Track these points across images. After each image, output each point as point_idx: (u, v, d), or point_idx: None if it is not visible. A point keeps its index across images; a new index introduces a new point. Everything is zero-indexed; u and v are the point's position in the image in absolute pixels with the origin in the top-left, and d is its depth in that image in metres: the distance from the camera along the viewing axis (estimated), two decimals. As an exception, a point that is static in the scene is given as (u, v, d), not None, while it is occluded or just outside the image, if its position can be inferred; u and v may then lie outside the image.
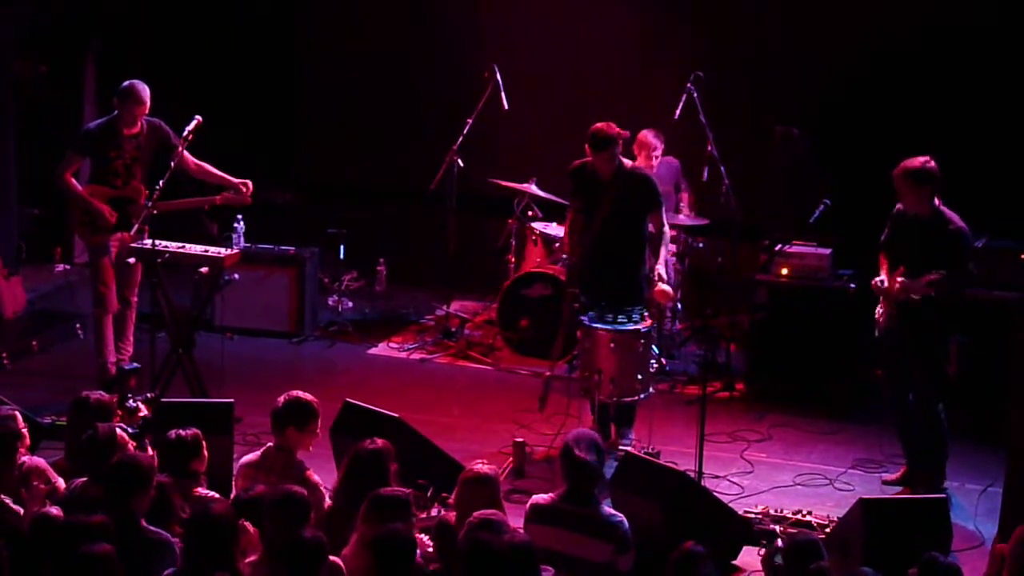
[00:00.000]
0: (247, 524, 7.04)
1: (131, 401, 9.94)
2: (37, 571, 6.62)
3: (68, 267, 14.02)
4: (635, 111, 11.94)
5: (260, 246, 12.79)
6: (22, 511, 7.38)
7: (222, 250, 10.83)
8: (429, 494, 8.35)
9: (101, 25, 14.47)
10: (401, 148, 14.27)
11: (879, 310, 9.61)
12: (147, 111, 10.86)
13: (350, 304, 13.56)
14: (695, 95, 11.81)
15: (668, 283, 10.23)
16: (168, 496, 7.41)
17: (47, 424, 9.71)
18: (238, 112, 13.98)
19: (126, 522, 6.86)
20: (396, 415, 9.01)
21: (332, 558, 6.76)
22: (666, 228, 10.37)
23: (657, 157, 11.92)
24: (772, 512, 9.05)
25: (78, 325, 12.60)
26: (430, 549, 7.20)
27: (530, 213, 12.69)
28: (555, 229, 12.30)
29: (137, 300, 11.24)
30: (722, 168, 11.89)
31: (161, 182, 10.43)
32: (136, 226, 10.49)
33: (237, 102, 14.25)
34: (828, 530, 8.66)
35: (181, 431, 7.91)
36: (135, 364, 10.85)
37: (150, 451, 8.19)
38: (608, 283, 10.16)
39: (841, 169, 12.22)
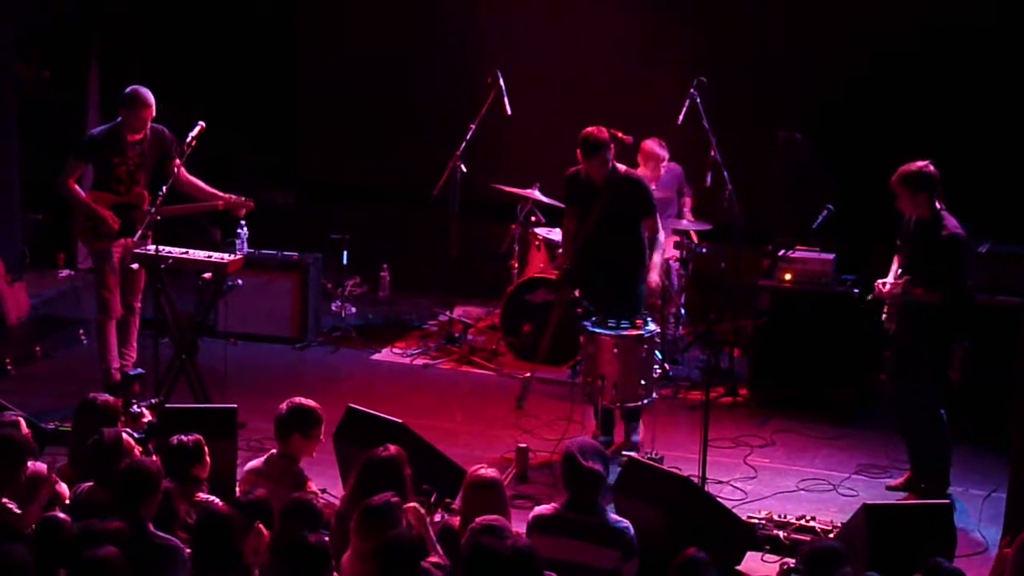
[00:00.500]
0: (261, 527, 7.06)
1: (135, 406, 9.94)
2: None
3: (72, 273, 14.03)
4: (637, 115, 11.96)
5: (263, 252, 12.79)
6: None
7: (225, 256, 10.84)
8: (432, 500, 8.34)
9: (101, 27, 14.47)
10: (403, 152, 14.27)
11: (885, 311, 9.60)
12: (152, 116, 10.87)
13: (353, 310, 13.56)
14: (698, 100, 11.81)
15: (652, 285, 10.22)
16: (172, 502, 7.42)
17: (51, 430, 9.72)
18: (239, 114, 14.00)
19: (135, 528, 6.87)
20: (399, 420, 9.00)
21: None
22: (660, 235, 10.37)
23: (664, 167, 11.96)
24: (775, 518, 9.04)
25: (81, 331, 12.61)
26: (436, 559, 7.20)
27: (533, 219, 12.69)
28: (558, 234, 12.26)
29: (141, 306, 11.24)
30: (725, 173, 11.89)
31: (164, 188, 10.44)
32: (139, 232, 10.50)
33: (238, 104, 14.28)
34: (832, 536, 8.65)
35: (183, 437, 7.91)
36: (139, 369, 10.86)
37: (154, 456, 8.18)
38: (606, 287, 10.16)
39: (844, 174, 12.22)
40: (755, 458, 10.45)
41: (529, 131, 13.15)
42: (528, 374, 10.70)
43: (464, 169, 12.59)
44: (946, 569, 6.73)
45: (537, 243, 12.45)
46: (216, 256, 10.79)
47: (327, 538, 7.00)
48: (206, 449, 7.96)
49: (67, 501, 7.63)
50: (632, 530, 7.41)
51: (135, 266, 10.77)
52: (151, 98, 10.81)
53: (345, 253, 13.36)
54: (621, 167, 10.24)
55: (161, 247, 10.52)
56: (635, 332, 9.94)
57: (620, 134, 10.26)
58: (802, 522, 8.96)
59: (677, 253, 12.18)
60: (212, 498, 7.81)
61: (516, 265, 12.72)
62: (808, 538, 8.64)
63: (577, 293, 10.25)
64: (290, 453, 8.19)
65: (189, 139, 10.60)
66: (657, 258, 10.31)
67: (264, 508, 7.23)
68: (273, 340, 12.77)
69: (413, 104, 14.37)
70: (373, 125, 14.59)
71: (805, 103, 12.78)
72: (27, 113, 13.58)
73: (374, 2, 14.61)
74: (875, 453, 10.49)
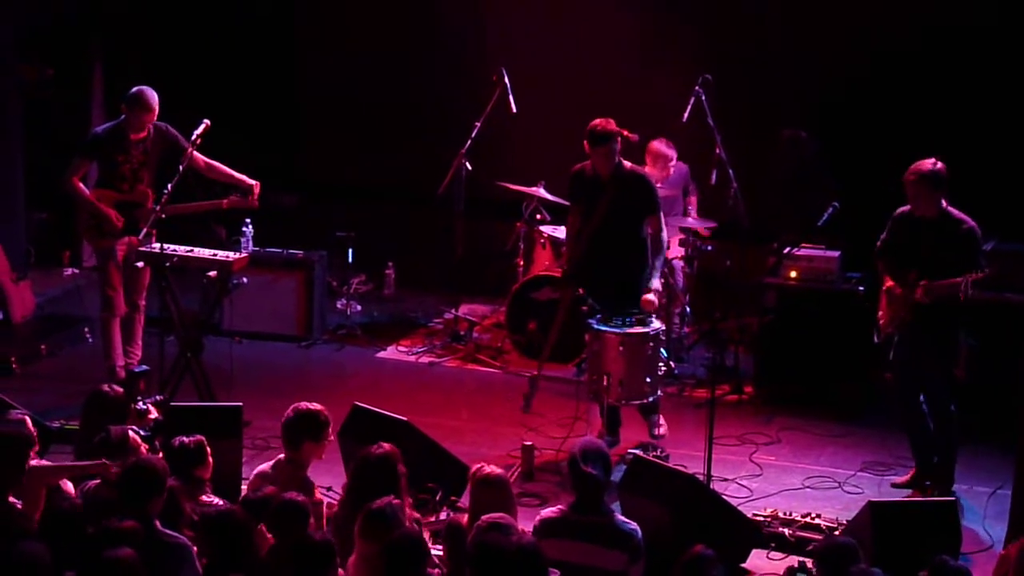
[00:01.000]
0: (264, 529, 7.06)
1: (141, 403, 9.94)
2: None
3: (76, 271, 14.03)
4: (641, 113, 11.92)
5: (268, 250, 12.80)
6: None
7: (230, 254, 10.84)
8: (438, 498, 8.35)
9: (104, 26, 14.47)
10: (407, 150, 14.27)
11: (880, 314, 9.59)
12: (155, 117, 10.87)
13: (358, 308, 13.57)
14: (703, 98, 11.81)
15: (655, 291, 10.20)
16: (177, 500, 7.42)
17: (56, 428, 9.73)
18: (242, 114, 13.99)
19: (143, 526, 6.87)
20: (405, 419, 9.01)
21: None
22: (664, 235, 10.34)
23: (672, 167, 11.97)
24: (781, 515, 9.04)
25: (86, 329, 12.61)
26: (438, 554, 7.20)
27: (538, 216, 12.69)
28: (563, 232, 12.25)
29: (145, 304, 11.26)
30: (730, 171, 11.89)
31: (169, 186, 10.44)
32: (144, 230, 10.50)
33: (241, 104, 14.27)
34: (837, 533, 8.64)
35: (185, 438, 7.91)
36: (144, 367, 10.85)
37: (160, 454, 8.19)
38: (609, 284, 10.16)
39: (848, 172, 12.22)
40: (760, 456, 10.45)
41: (534, 129, 13.14)
42: (534, 373, 10.68)
43: (469, 167, 12.60)
44: (952, 567, 6.73)
45: (542, 241, 12.44)
46: (221, 254, 10.78)
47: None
48: (208, 450, 7.97)
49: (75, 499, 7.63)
50: (640, 532, 7.39)
51: (140, 264, 10.78)
52: (155, 101, 10.81)
53: (350, 251, 13.36)
54: (627, 163, 10.23)
55: (166, 245, 10.52)
56: (652, 328, 9.94)
57: (626, 132, 10.26)
58: (807, 520, 8.96)
59: (682, 251, 12.18)
60: (217, 500, 7.80)
61: (521, 263, 12.72)
62: (813, 535, 8.65)
63: (581, 291, 10.24)
64: (299, 459, 8.17)
65: (194, 137, 10.60)
66: (659, 261, 10.28)
67: (267, 506, 7.23)
68: (278, 338, 12.78)
69: (417, 102, 14.37)
70: (377, 123, 14.59)
71: (809, 101, 12.77)
72: (30, 112, 13.59)
73: (375, 2, 14.61)
74: (880, 450, 10.50)
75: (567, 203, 10.85)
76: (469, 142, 12.53)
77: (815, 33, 12.90)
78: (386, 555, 6.59)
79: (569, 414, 10.43)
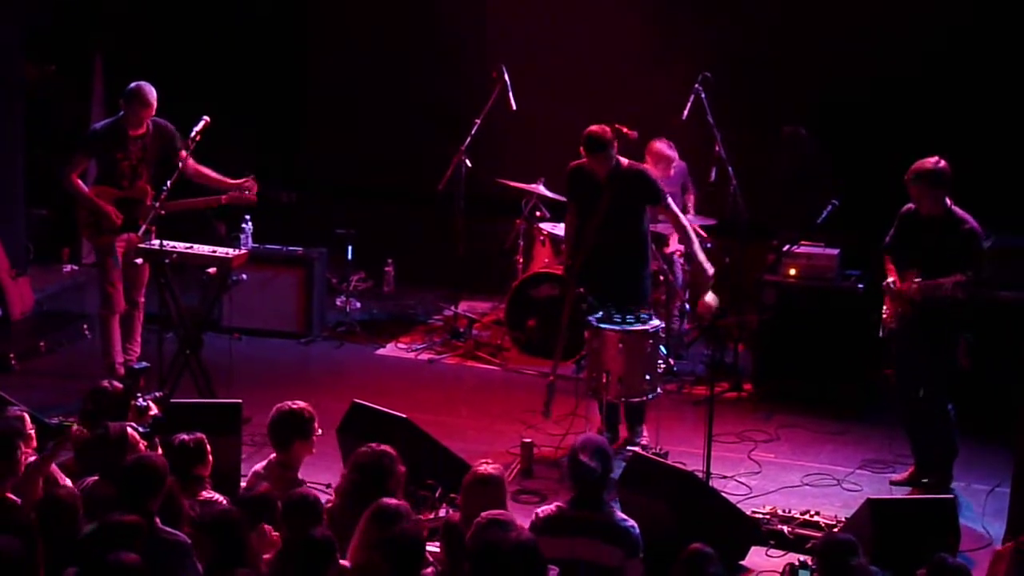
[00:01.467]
0: (266, 526, 7.06)
1: (141, 400, 9.93)
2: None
3: (76, 268, 14.03)
4: (640, 110, 11.96)
5: (268, 246, 12.80)
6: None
7: (230, 250, 10.84)
8: (437, 495, 8.35)
9: (105, 24, 14.47)
10: (407, 147, 14.28)
11: (885, 310, 9.59)
12: (154, 113, 10.87)
13: (358, 305, 13.58)
14: (703, 96, 11.81)
15: (709, 288, 10.24)
16: (176, 497, 7.41)
17: (54, 424, 9.70)
18: (244, 111, 13.98)
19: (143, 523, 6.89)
20: (404, 416, 9.02)
21: (341, 561, 6.78)
22: (683, 219, 10.34)
23: (674, 167, 11.98)
24: (780, 512, 9.04)
25: (85, 326, 12.61)
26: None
27: (538, 213, 12.70)
28: (562, 229, 12.27)
29: (145, 301, 11.26)
30: (730, 169, 11.89)
31: (168, 183, 10.44)
32: (143, 227, 10.50)
33: (243, 101, 14.27)
34: (836, 530, 8.65)
35: (185, 435, 7.91)
36: (144, 363, 10.85)
37: (159, 450, 8.18)
38: (611, 282, 10.15)
39: (848, 169, 12.22)
40: (759, 453, 10.45)
41: (533, 126, 13.14)
42: (551, 378, 10.67)
43: (469, 164, 12.61)
44: (950, 564, 6.73)
45: (542, 238, 12.45)
46: (220, 251, 10.78)
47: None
48: (208, 448, 7.96)
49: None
50: (637, 529, 7.38)
51: (139, 261, 10.77)
52: (152, 96, 10.81)
53: (350, 248, 13.36)
54: (624, 161, 10.22)
55: (165, 242, 10.52)
56: (651, 326, 9.95)
57: (625, 129, 10.26)
58: (806, 517, 8.97)
59: (681, 248, 12.17)
60: (217, 496, 7.80)
61: (521, 260, 12.73)
62: (813, 533, 8.65)
63: (581, 289, 10.23)
64: (289, 460, 8.15)
65: (193, 134, 10.60)
66: (696, 250, 10.32)
67: (267, 504, 7.24)
68: (278, 335, 12.78)
69: (416, 99, 14.37)
70: (377, 120, 14.59)
71: (808, 99, 12.78)
72: (30, 109, 13.58)
73: (377, 1, 14.61)
74: (879, 448, 10.50)
75: (566, 200, 10.85)
76: (469, 139, 12.53)
77: (815, 30, 12.90)
78: (384, 551, 6.60)
79: (568, 411, 10.43)
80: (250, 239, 12.49)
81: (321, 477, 8.94)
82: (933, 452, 9.66)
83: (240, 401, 9.14)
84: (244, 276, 11.10)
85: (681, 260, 12.18)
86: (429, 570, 6.92)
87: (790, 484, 9.91)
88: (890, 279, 9.53)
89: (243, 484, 8.44)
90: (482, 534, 6.66)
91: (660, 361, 10.17)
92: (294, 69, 15.03)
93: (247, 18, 14.72)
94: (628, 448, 9.82)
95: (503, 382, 11.96)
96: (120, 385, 8.70)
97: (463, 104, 13.11)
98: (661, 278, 11.71)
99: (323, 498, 8.19)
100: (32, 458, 7.80)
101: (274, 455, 8.21)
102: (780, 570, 8.14)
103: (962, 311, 9.31)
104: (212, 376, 10.68)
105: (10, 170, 13.28)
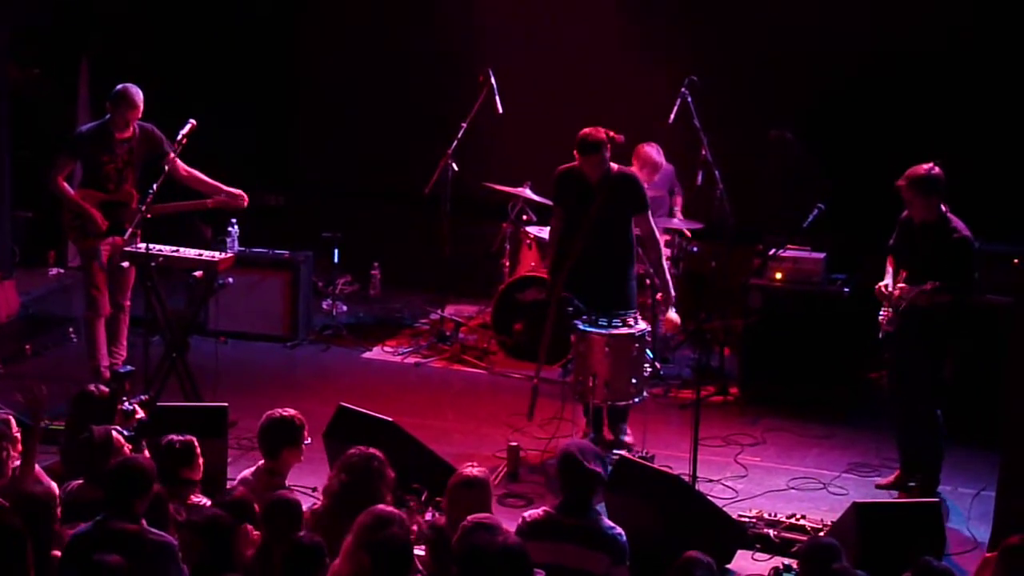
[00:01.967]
0: (250, 527, 7.06)
1: (127, 404, 9.92)
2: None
3: (62, 271, 13.98)
4: (628, 114, 11.93)
5: (254, 250, 12.79)
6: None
7: (216, 254, 10.83)
8: (423, 499, 8.34)
9: (93, 25, 14.43)
10: (394, 150, 14.28)
11: (882, 312, 9.59)
12: (140, 115, 10.86)
13: (344, 308, 13.57)
14: (689, 99, 11.82)
15: (674, 305, 10.26)
16: (162, 502, 7.39)
17: (41, 428, 9.68)
18: (231, 115, 13.96)
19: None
20: (390, 419, 9.01)
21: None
22: (656, 235, 10.38)
23: (660, 172, 12.00)
24: (766, 516, 9.05)
25: (71, 329, 12.59)
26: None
27: (524, 217, 12.71)
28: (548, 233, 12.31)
29: (130, 304, 11.24)
30: (716, 172, 11.90)
31: (155, 186, 10.42)
32: (129, 230, 10.49)
33: (230, 104, 14.24)
34: (822, 534, 8.66)
35: (175, 437, 7.90)
36: (129, 367, 10.84)
37: (147, 453, 8.17)
38: (599, 286, 10.15)
39: (835, 172, 12.24)
40: (746, 457, 10.46)
41: (520, 130, 13.15)
42: (535, 381, 10.67)
43: (455, 167, 12.60)
44: (936, 568, 6.74)
45: (528, 241, 12.45)
46: (207, 254, 10.78)
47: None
48: (198, 451, 7.95)
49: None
50: (624, 537, 7.35)
51: (125, 264, 10.76)
52: (139, 98, 10.80)
53: (336, 251, 13.36)
54: (615, 166, 10.23)
55: (151, 245, 10.50)
56: (638, 329, 9.95)
57: (612, 133, 10.26)
58: (792, 520, 8.98)
59: (668, 252, 12.18)
60: (207, 501, 7.79)
61: (507, 263, 12.73)
62: (799, 537, 8.66)
63: (567, 293, 10.22)
64: (277, 468, 8.13)
65: (180, 137, 10.59)
66: (665, 267, 10.38)
67: (245, 507, 7.22)
68: (264, 338, 12.77)
69: (404, 103, 14.38)
70: (363, 125, 14.58)
71: (795, 103, 12.79)
72: (16, 111, 13.55)
73: (370, 5, 14.60)
74: (866, 452, 10.51)
75: (552, 203, 10.85)
76: (455, 143, 12.53)
77: (801, 34, 12.90)
78: (371, 553, 6.59)
79: (555, 415, 10.43)
80: (236, 242, 12.46)
81: (307, 481, 8.93)
82: (920, 457, 9.67)
83: (226, 405, 9.14)
84: (230, 279, 11.07)
85: (668, 264, 12.17)
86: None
87: (776, 488, 9.92)
88: (883, 282, 9.54)
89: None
90: (469, 537, 6.65)
91: (646, 365, 10.18)
92: (282, 73, 15.01)
93: (235, 21, 14.71)
94: (615, 452, 9.81)
95: (489, 386, 11.97)
96: (106, 389, 8.68)
97: (450, 108, 13.10)
98: (648, 282, 11.71)
99: (309, 502, 8.22)
100: (18, 462, 7.79)
101: (263, 462, 8.19)
102: (766, 574, 8.16)
103: (955, 317, 9.32)
104: (198, 380, 10.67)
105: (-4, 172, 13.26)
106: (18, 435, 7.96)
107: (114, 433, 7.85)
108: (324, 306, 13.39)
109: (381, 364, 12.51)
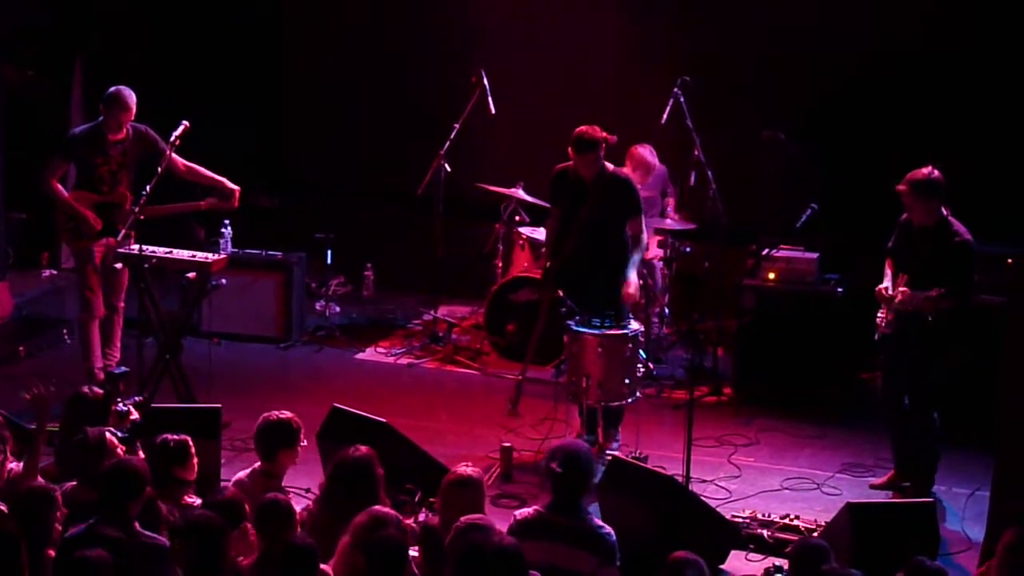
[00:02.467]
0: (249, 527, 7.06)
1: (121, 405, 9.91)
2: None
3: (55, 272, 13.96)
4: (621, 115, 11.95)
5: (247, 251, 12.77)
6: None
7: (209, 255, 10.82)
8: (416, 499, 8.34)
9: (87, 26, 14.42)
10: (387, 151, 14.27)
11: (880, 314, 9.58)
12: (133, 117, 10.85)
13: (337, 309, 13.55)
14: (682, 100, 11.83)
15: (633, 284, 10.21)
16: (154, 504, 7.39)
17: (34, 429, 9.67)
18: (224, 115, 13.95)
19: (122, 527, 6.87)
20: (383, 420, 9.01)
21: (322, 566, 6.77)
22: (643, 236, 10.37)
23: (653, 173, 12.01)
24: (760, 516, 9.06)
25: (65, 331, 12.58)
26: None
27: (517, 218, 12.69)
28: (542, 233, 12.24)
29: (124, 306, 11.23)
30: (709, 173, 11.91)
31: (148, 187, 10.42)
32: (122, 232, 10.48)
33: (223, 105, 14.22)
34: (816, 534, 8.66)
35: (169, 436, 7.90)
36: (123, 368, 10.83)
37: (141, 455, 8.16)
38: (592, 286, 10.15)
39: (828, 173, 12.24)
40: (739, 457, 10.46)
41: (513, 130, 13.15)
42: (519, 377, 10.69)
43: (448, 168, 12.60)
44: (929, 568, 6.76)
45: (521, 242, 12.45)
46: (200, 255, 10.77)
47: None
48: (192, 451, 7.94)
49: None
50: (613, 536, 7.35)
51: (119, 265, 10.75)
52: (132, 100, 10.79)
53: (329, 252, 13.35)
54: (610, 166, 10.24)
55: (145, 246, 10.50)
56: (631, 329, 9.95)
57: (605, 134, 10.26)
58: (786, 521, 8.98)
59: (661, 252, 12.19)
60: (197, 500, 7.79)
61: (500, 264, 12.72)
62: (792, 537, 8.66)
63: (560, 293, 10.23)
64: (274, 470, 8.13)
65: (173, 138, 10.59)
66: (636, 257, 10.29)
67: (236, 508, 7.22)
68: (257, 340, 12.76)
69: (397, 104, 14.37)
70: (356, 125, 14.58)
71: (788, 103, 12.79)
72: (10, 111, 13.53)
73: (363, 5, 14.60)
74: (859, 452, 10.52)
75: (546, 204, 10.86)
76: (448, 143, 12.53)
77: (800, 34, 12.91)
78: (367, 554, 6.59)
79: (548, 415, 10.43)
80: (229, 244, 12.44)
81: (301, 482, 8.92)
82: (915, 458, 9.67)
83: (220, 406, 9.14)
84: (224, 281, 11.06)
85: (661, 264, 12.20)
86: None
87: (770, 488, 9.93)
88: (883, 285, 9.53)
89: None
90: (464, 537, 6.66)
91: (639, 365, 10.18)
92: (275, 74, 15.01)
93: (228, 22, 14.69)
94: (607, 453, 9.81)
95: (483, 386, 11.96)
96: (100, 390, 8.68)
97: (444, 108, 13.09)
98: (640, 282, 11.70)
99: (303, 503, 8.22)
100: (12, 464, 7.79)
101: (258, 464, 8.19)
102: (759, 574, 8.16)
103: (955, 322, 9.31)
104: (192, 381, 10.66)
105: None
106: (8, 435, 7.96)
107: (108, 435, 7.85)
108: (317, 307, 13.38)
109: (374, 365, 12.51)
